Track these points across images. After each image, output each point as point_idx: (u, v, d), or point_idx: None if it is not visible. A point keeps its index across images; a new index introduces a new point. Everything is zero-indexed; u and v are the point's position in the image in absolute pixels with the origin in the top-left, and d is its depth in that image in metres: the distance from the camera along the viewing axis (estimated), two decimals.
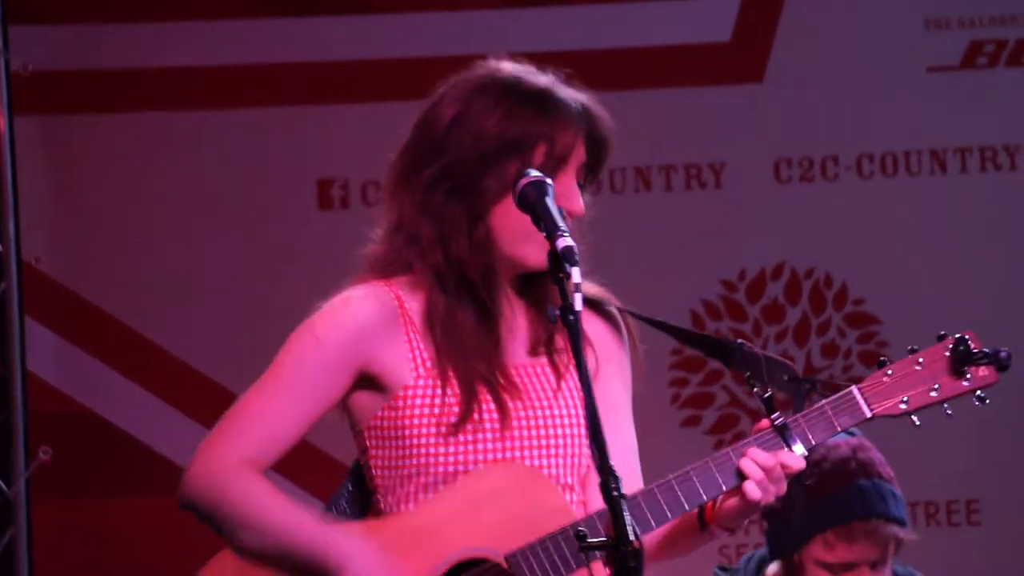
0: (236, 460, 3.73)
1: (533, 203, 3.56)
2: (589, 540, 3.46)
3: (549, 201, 3.54)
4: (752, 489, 3.69)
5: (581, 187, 3.78)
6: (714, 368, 6.20)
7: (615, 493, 3.32)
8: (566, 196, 3.70)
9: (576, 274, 3.41)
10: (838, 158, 6.22)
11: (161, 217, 6.24)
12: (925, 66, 6.16)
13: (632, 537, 3.33)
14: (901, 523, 4.57)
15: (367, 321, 3.77)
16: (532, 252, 3.72)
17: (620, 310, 3.88)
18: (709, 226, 6.23)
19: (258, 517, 3.74)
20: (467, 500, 3.83)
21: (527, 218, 3.66)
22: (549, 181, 3.56)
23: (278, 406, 3.75)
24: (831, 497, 4.68)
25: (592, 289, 3.84)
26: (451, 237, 3.74)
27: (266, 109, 6.23)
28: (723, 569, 5.04)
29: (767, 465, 3.68)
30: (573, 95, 3.72)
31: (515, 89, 3.71)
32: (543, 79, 3.72)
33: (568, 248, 3.41)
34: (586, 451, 3.85)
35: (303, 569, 3.76)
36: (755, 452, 3.70)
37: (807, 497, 4.65)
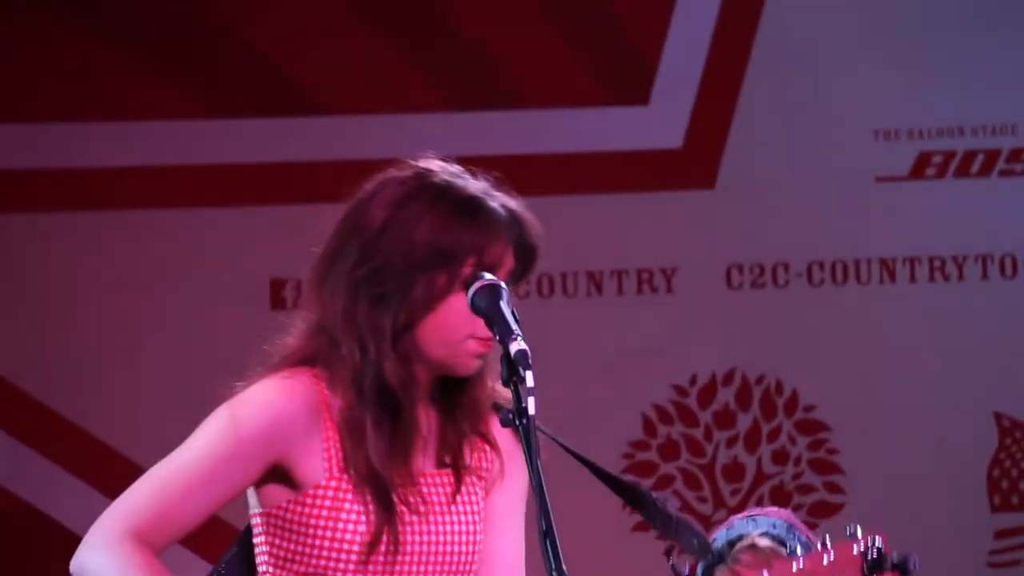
0: (130, 539, 3.46)
1: (487, 307, 3.40)
2: None
3: (503, 304, 3.35)
4: None
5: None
6: (665, 473, 6.17)
7: None
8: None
9: (530, 378, 3.23)
10: (789, 265, 6.20)
11: (106, 313, 6.18)
12: (874, 176, 6.16)
13: None
14: (781, 543, 4.27)
15: (288, 416, 3.54)
16: (460, 362, 3.58)
17: (552, 439, 3.50)
18: (660, 331, 6.20)
19: None
20: None
21: (455, 328, 3.53)
22: (503, 285, 3.39)
23: (182, 489, 3.51)
24: None
25: (502, 396, 3.55)
26: (373, 346, 3.57)
27: (219, 209, 6.21)
28: None
29: None
30: (503, 201, 3.51)
31: (446, 197, 3.53)
32: (474, 185, 3.54)
33: (522, 352, 3.25)
34: (475, 568, 3.68)
35: None
36: None
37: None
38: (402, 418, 3.54)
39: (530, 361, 3.24)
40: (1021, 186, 6.32)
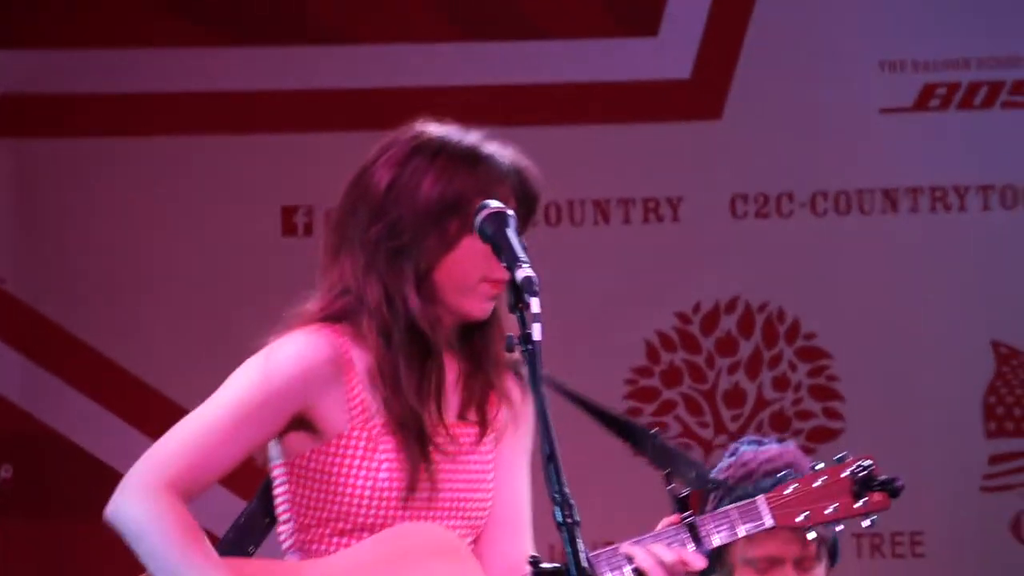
0: (166, 488, 3.57)
1: (494, 234, 3.45)
2: (542, 566, 3.29)
3: (510, 232, 3.41)
4: None
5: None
6: (668, 399, 6.20)
7: (569, 520, 3.19)
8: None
9: (535, 304, 3.27)
10: (793, 195, 6.21)
11: (125, 240, 6.22)
12: (879, 107, 6.19)
13: (584, 563, 3.21)
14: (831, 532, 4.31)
15: (313, 369, 3.63)
16: (475, 304, 3.64)
17: (546, 380, 3.50)
18: (665, 259, 6.24)
19: (173, 554, 3.55)
20: (389, 557, 3.70)
21: (469, 271, 3.61)
22: (510, 212, 3.45)
23: (215, 438, 3.60)
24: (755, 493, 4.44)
25: (514, 355, 3.60)
26: (399, 294, 3.65)
27: (231, 136, 6.23)
28: None
29: (668, 560, 3.63)
30: (499, 150, 3.61)
31: (446, 150, 3.62)
32: (470, 138, 3.64)
33: (528, 279, 3.29)
34: (486, 514, 3.77)
35: None
36: (658, 549, 3.64)
37: (733, 495, 4.40)
38: (432, 358, 3.62)
39: (536, 287, 3.26)
40: (1021, 118, 6.33)
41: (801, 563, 4.53)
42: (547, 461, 3.21)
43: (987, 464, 6.18)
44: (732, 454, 4.61)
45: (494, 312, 3.67)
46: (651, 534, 3.62)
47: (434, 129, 3.67)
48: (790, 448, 4.42)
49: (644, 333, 6.22)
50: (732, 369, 6.28)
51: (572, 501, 3.24)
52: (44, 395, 6.18)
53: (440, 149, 3.63)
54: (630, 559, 3.62)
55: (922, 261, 6.25)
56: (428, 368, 3.65)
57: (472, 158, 3.63)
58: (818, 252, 6.24)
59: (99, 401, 6.16)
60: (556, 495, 3.24)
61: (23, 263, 6.24)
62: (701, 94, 6.29)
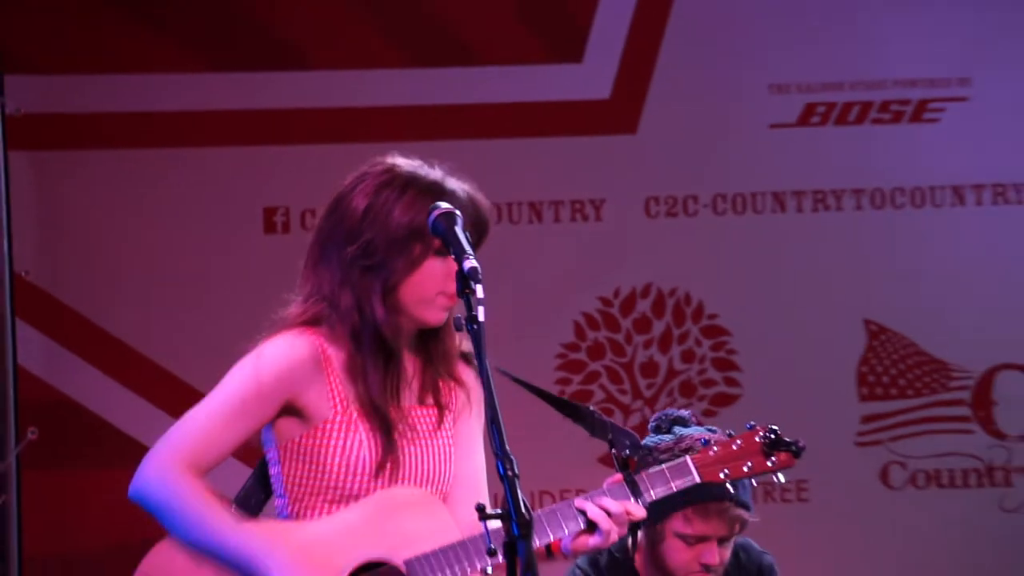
0: (180, 467, 3.97)
1: (444, 231, 3.81)
2: (487, 511, 3.65)
3: (458, 230, 3.78)
4: (600, 535, 4.00)
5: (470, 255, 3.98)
6: (593, 370, 6.53)
7: (509, 473, 3.56)
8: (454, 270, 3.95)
9: (479, 290, 3.65)
10: (698, 197, 6.49)
11: (130, 236, 6.43)
12: (768, 123, 6.48)
13: (523, 509, 3.58)
14: (747, 508, 4.89)
15: (297, 364, 4.01)
16: (431, 314, 3.99)
17: (495, 368, 3.91)
18: (590, 252, 6.48)
19: (195, 519, 3.98)
20: (370, 515, 4.06)
21: (428, 287, 3.96)
22: (458, 213, 3.81)
23: (218, 425, 3.98)
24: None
25: (468, 346, 4.06)
26: (368, 305, 3.98)
27: (221, 148, 6.47)
28: None
29: (615, 512, 3.99)
30: (459, 185, 3.99)
31: (414, 184, 3.96)
32: (434, 173, 3.98)
33: (473, 268, 3.66)
34: (450, 481, 4.14)
35: (231, 566, 3.99)
36: (606, 502, 3.99)
37: (664, 459, 4.73)
38: (393, 360, 4.00)
39: (480, 276, 3.64)
40: (888, 132, 6.58)
41: (723, 541, 4.94)
42: (491, 424, 3.57)
43: (860, 423, 6.53)
44: (662, 429, 4.96)
45: (442, 327, 4.07)
46: (598, 491, 4.01)
47: (403, 163, 4.02)
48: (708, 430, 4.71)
49: (572, 315, 6.49)
50: (647, 345, 6.54)
51: (512, 457, 3.57)
52: (63, 369, 6.43)
53: (409, 183, 3.97)
54: (583, 512, 4.00)
55: (805, 253, 6.51)
56: (390, 368, 4.00)
57: (436, 192, 3.95)
58: (719, 245, 6.50)
59: (109, 374, 6.42)
60: (498, 452, 3.57)
61: (43, 257, 6.47)
62: (619, 112, 6.52)
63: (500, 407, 3.69)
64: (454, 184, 3.99)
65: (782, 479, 4.05)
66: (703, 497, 4.80)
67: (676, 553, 4.97)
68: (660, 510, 4.78)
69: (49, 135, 6.52)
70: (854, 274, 6.58)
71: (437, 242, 3.93)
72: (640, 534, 4.86)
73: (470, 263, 3.67)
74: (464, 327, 3.70)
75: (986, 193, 6.63)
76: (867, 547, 6.54)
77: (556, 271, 6.56)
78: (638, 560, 5.10)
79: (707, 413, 6.48)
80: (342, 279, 4.00)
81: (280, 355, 3.99)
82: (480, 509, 3.68)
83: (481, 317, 3.66)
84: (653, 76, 6.54)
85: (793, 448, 4.07)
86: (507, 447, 3.57)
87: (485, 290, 3.69)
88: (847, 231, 6.57)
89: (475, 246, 3.91)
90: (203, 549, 3.98)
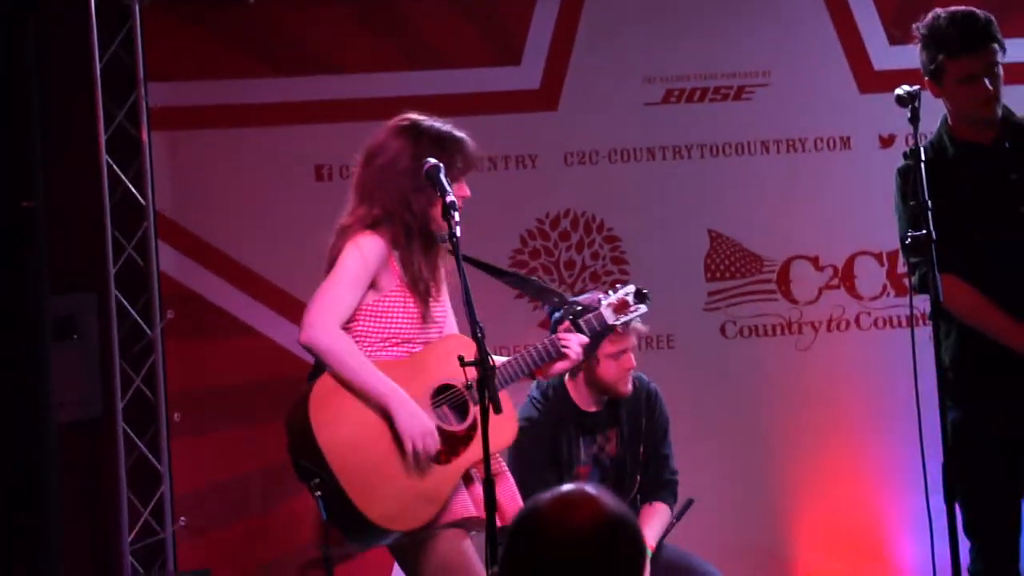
0: (336, 324, 4.45)
1: (434, 176, 4.37)
2: (466, 360, 4.19)
3: (442, 176, 4.35)
4: (567, 360, 4.60)
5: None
6: (532, 266, 7.10)
7: (480, 334, 4.18)
8: (461, 189, 4.55)
9: (456, 216, 4.23)
10: (598, 151, 7.19)
11: (233, 185, 7.09)
12: (643, 102, 7.22)
13: (489, 361, 4.18)
14: (643, 327, 5.62)
15: (381, 250, 4.49)
16: (441, 227, 4.46)
17: (465, 258, 4.35)
18: (527, 188, 7.19)
19: (355, 367, 4.45)
20: (435, 355, 4.56)
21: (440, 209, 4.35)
22: (441, 165, 4.34)
23: (347, 292, 4.48)
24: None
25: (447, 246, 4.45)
26: (419, 211, 4.49)
27: (287, 126, 7.07)
28: None
29: (576, 342, 4.60)
30: (461, 134, 4.57)
31: (438, 133, 4.53)
32: (445, 125, 4.55)
33: (452, 201, 4.25)
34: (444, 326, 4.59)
35: (373, 400, 4.43)
36: (571, 337, 4.59)
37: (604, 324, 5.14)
38: (432, 246, 4.53)
39: (457, 206, 4.26)
40: (720, 107, 7.20)
41: (634, 350, 5.71)
42: (465, 302, 4.19)
43: (706, 296, 7.24)
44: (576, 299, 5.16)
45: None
46: (559, 333, 4.58)
47: (423, 118, 4.53)
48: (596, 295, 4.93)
49: (519, 230, 7.22)
50: (568, 249, 7.21)
51: (480, 324, 4.15)
52: (190, 273, 7.09)
53: (435, 133, 4.51)
54: (556, 346, 4.59)
55: (670, 187, 7.18)
56: (429, 254, 4.53)
57: (453, 139, 4.53)
58: (613, 183, 7.18)
59: (220, 275, 7.07)
60: (471, 321, 4.18)
61: (175, 199, 7.10)
62: (545, 97, 7.16)
63: (470, 288, 4.27)
64: (459, 132, 4.54)
65: (649, 302, 4.72)
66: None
67: (609, 370, 5.66)
68: (593, 345, 5.25)
69: (179, 120, 7.04)
70: (702, 200, 7.19)
71: (455, 173, 4.43)
72: (568, 373, 5.64)
73: (450, 197, 4.23)
74: (447, 239, 4.28)
75: (782, 146, 7.21)
76: (712, 379, 7.15)
77: (508, 201, 7.09)
78: (570, 389, 5.79)
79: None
80: (400, 199, 4.45)
81: (373, 244, 4.46)
82: (460, 359, 4.21)
83: (458, 233, 4.22)
84: (567, 72, 7.16)
85: (646, 297, 4.76)
86: (476, 318, 4.13)
87: (462, 214, 4.29)
88: (697, 172, 7.18)
89: (472, 167, 4.51)
90: (360, 390, 4.43)
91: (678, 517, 6.02)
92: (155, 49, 6.98)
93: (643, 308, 4.69)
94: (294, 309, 5.18)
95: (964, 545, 4.72)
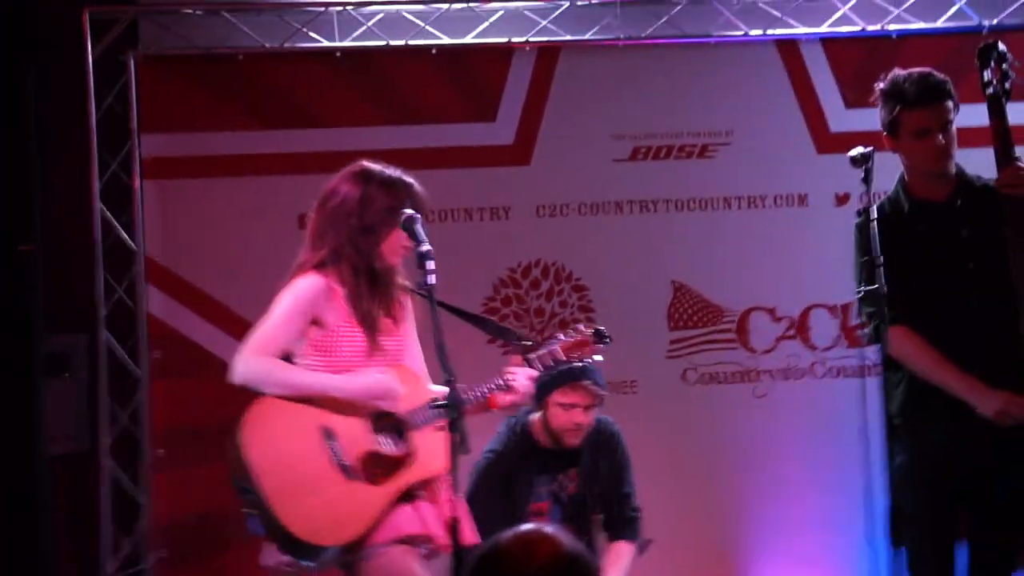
0: (260, 353, 4.47)
1: (410, 227, 4.38)
2: (438, 403, 4.21)
3: (418, 226, 4.37)
4: (514, 393, 4.58)
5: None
6: (504, 313, 7.15)
7: (451, 378, 4.16)
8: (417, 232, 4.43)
9: (431, 265, 4.17)
10: (568, 204, 7.24)
11: (218, 233, 7.08)
12: (612, 159, 7.26)
13: (458, 400, 4.17)
14: (603, 388, 5.71)
15: (319, 292, 4.50)
16: (396, 259, 4.52)
17: (427, 296, 4.26)
18: (501, 240, 7.20)
19: (289, 374, 4.48)
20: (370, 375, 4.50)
21: (395, 242, 4.44)
22: (418, 216, 4.38)
23: (276, 331, 4.50)
24: (569, 369, 5.50)
25: (405, 281, 4.55)
26: (365, 252, 4.49)
27: (268, 176, 7.09)
28: (511, 415, 5.85)
29: (522, 377, 4.61)
30: (409, 178, 4.55)
31: (387, 179, 4.53)
32: (395, 171, 4.53)
33: (427, 250, 4.24)
34: (404, 360, 4.53)
35: (321, 393, 4.39)
36: (519, 372, 4.59)
37: (556, 368, 5.15)
38: (379, 286, 4.54)
39: (431, 255, 4.19)
40: (684, 164, 7.26)
41: (587, 408, 5.65)
42: (438, 349, 4.15)
43: (668, 344, 7.27)
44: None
45: (391, 269, 4.50)
46: (510, 367, 4.58)
47: (374, 164, 4.55)
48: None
49: (491, 279, 7.22)
50: (537, 297, 7.24)
51: (451, 367, 4.13)
52: (177, 315, 7.07)
53: (384, 179, 4.52)
54: (505, 379, 4.55)
55: (636, 239, 7.21)
56: (378, 290, 4.51)
57: (400, 184, 4.53)
58: (582, 235, 7.20)
59: (204, 318, 7.04)
60: (442, 364, 4.14)
61: (164, 246, 7.10)
62: (519, 152, 7.20)
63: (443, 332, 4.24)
64: (408, 178, 4.55)
65: (606, 343, 4.67)
66: (577, 378, 5.54)
67: (557, 417, 5.64)
68: (546, 389, 5.54)
69: (168, 169, 7.08)
70: (666, 252, 7.22)
71: (402, 215, 4.41)
72: (536, 413, 5.69)
73: (425, 247, 4.23)
74: (423, 288, 4.20)
75: (743, 202, 7.25)
76: (673, 423, 7.17)
77: (481, 251, 7.13)
78: (534, 429, 5.78)
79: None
80: (348, 239, 4.46)
81: (307, 284, 4.48)
82: (432, 400, 4.27)
83: (432, 281, 4.18)
84: (540, 129, 7.22)
85: (604, 337, 4.70)
86: (449, 363, 4.11)
87: (436, 264, 4.21)
88: (662, 225, 7.23)
89: (421, 211, 4.43)
90: (296, 390, 4.41)
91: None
92: (149, 101, 7.03)
93: (598, 355, 4.69)
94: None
95: None
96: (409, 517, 4.45)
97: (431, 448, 4.36)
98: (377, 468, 4.43)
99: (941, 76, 5.03)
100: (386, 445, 4.47)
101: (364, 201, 4.47)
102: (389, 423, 4.46)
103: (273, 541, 4.44)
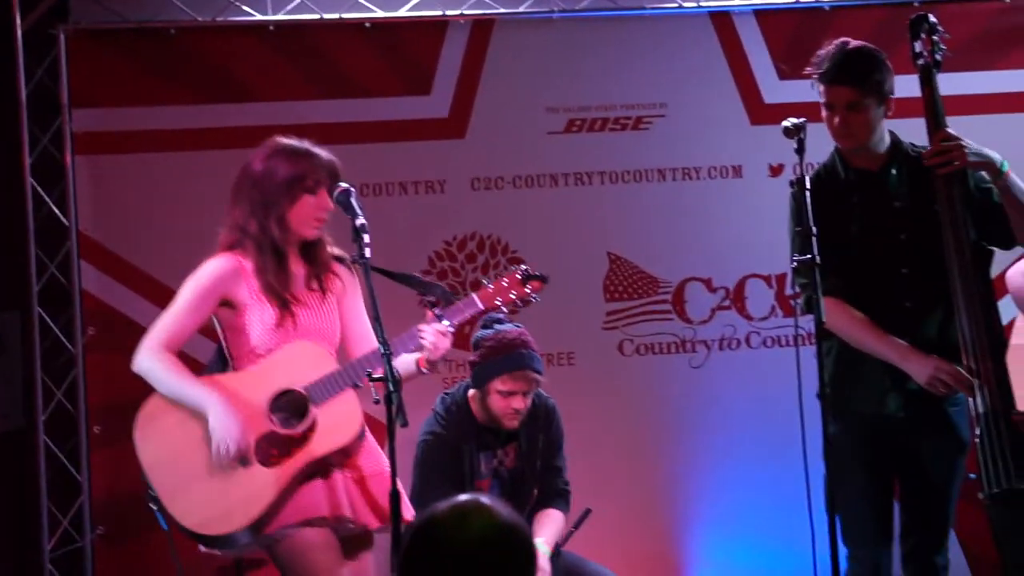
0: (160, 348, 4.51)
1: (344, 201, 4.41)
2: (374, 376, 4.28)
3: (353, 199, 4.37)
4: (427, 350, 4.51)
5: (329, 194, 4.47)
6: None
7: (387, 352, 4.25)
8: (322, 203, 4.50)
9: (367, 238, 4.25)
10: (504, 177, 7.20)
11: (148, 205, 6.97)
12: (546, 131, 7.22)
13: (396, 375, 4.23)
14: (540, 373, 5.68)
15: (226, 273, 4.54)
16: (308, 231, 4.50)
17: (374, 268, 4.34)
18: (438, 212, 7.12)
19: (172, 381, 4.50)
20: (280, 362, 4.52)
21: (304, 213, 4.43)
22: (352, 188, 4.37)
23: (180, 319, 4.53)
24: (508, 355, 5.57)
25: (337, 251, 4.59)
26: (268, 226, 4.50)
27: (205, 152, 6.93)
28: (446, 392, 5.87)
29: (437, 332, 4.55)
30: (319, 151, 4.54)
31: (291, 150, 4.55)
32: (301, 144, 4.55)
33: (363, 224, 4.28)
34: (337, 337, 4.54)
35: (195, 408, 4.48)
36: (427, 329, 4.53)
37: (493, 354, 5.53)
38: (283, 260, 4.54)
39: (367, 229, 4.28)
40: (619, 136, 7.19)
41: (525, 394, 5.62)
42: (374, 320, 4.26)
43: (605, 316, 7.21)
44: (486, 325, 5.59)
45: (316, 241, 4.52)
46: (423, 324, 4.55)
47: (282, 140, 4.60)
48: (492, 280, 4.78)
49: (427, 252, 7.12)
50: (474, 270, 7.16)
51: (387, 339, 4.25)
52: (111, 291, 6.96)
53: (288, 151, 4.54)
54: (422, 336, 4.51)
55: (571, 211, 7.17)
56: (281, 263, 4.51)
57: (303, 154, 4.53)
58: (519, 208, 7.16)
59: (138, 292, 6.90)
60: (379, 338, 4.23)
61: (96, 220, 6.96)
62: (454, 125, 7.12)
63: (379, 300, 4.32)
64: (315, 149, 4.53)
65: (538, 299, 4.61)
66: (516, 366, 5.49)
67: (496, 403, 5.62)
68: (486, 375, 5.54)
69: (99, 146, 6.98)
70: (602, 224, 7.18)
71: (308, 184, 4.44)
72: (473, 392, 5.66)
73: (360, 220, 4.29)
74: (358, 261, 4.28)
75: (677, 173, 7.23)
76: (610, 395, 7.12)
77: (417, 224, 7.06)
78: (472, 406, 5.74)
79: (511, 312, 5.83)
80: (250, 213, 4.49)
81: (210, 267, 4.53)
82: (368, 375, 4.31)
83: (368, 255, 4.28)
84: (475, 102, 7.15)
85: (541, 276, 4.62)
86: (384, 335, 4.21)
87: (372, 237, 4.30)
88: (597, 197, 7.18)
89: (336, 179, 4.45)
90: (175, 397, 4.51)
91: (576, 526, 6.03)
92: (79, 76, 6.94)
93: (536, 298, 4.60)
94: (209, 326, 4.76)
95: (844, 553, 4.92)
96: (316, 499, 4.42)
97: (334, 421, 4.35)
98: (273, 449, 4.42)
99: (861, 57, 5.04)
100: (282, 425, 4.44)
101: (265, 175, 4.47)
102: (288, 401, 4.45)
103: (180, 533, 4.49)
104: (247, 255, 4.47)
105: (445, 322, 4.52)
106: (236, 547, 4.48)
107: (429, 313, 4.51)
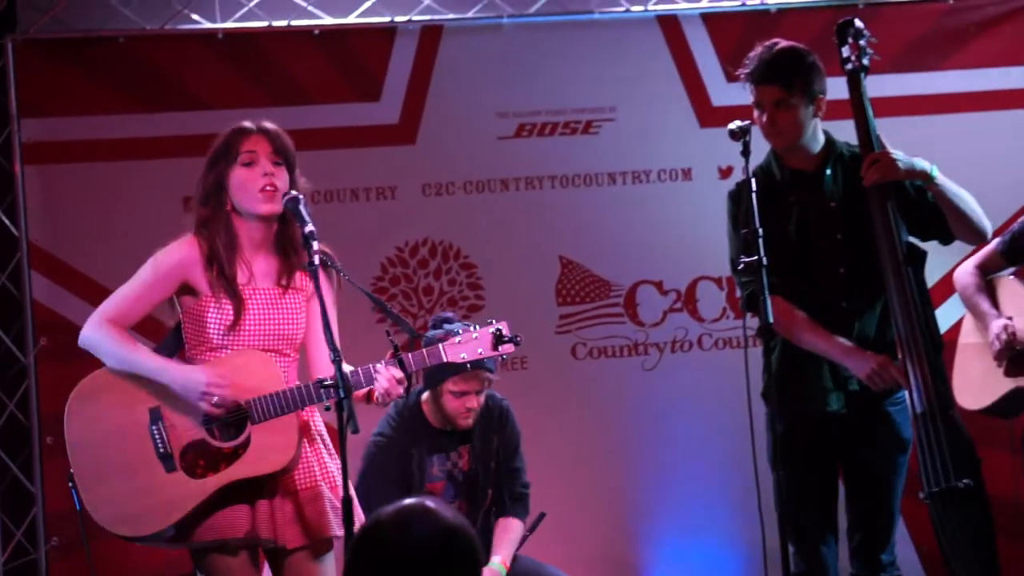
0: (108, 321, 4.41)
1: (293, 208, 4.34)
2: (326, 383, 4.14)
3: (302, 207, 4.31)
4: (379, 389, 4.38)
5: (279, 165, 4.40)
6: (393, 292, 7.12)
7: (337, 358, 4.15)
8: (258, 173, 4.39)
9: (316, 245, 4.19)
10: (454, 183, 7.23)
11: (100, 216, 6.99)
12: (496, 136, 7.25)
13: (344, 380, 4.11)
14: (492, 372, 5.75)
15: (183, 258, 4.45)
16: (256, 204, 4.35)
17: (338, 270, 4.39)
18: (388, 219, 7.17)
19: (122, 351, 4.43)
20: (228, 368, 4.40)
21: (239, 183, 4.34)
22: (301, 196, 4.31)
23: (133, 297, 4.44)
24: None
25: (321, 249, 4.37)
26: (208, 222, 4.45)
27: (154, 161, 6.99)
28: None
29: (387, 376, 4.38)
30: (257, 122, 4.48)
31: (231, 131, 4.52)
32: (244, 123, 4.50)
33: (311, 232, 4.23)
34: (298, 335, 4.41)
35: (149, 375, 4.38)
36: (383, 373, 4.35)
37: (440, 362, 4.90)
38: (235, 248, 4.41)
39: (316, 236, 4.22)
40: (568, 141, 7.24)
41: (478, 393, 5.67)
42: (325, 329, 4.17)
43: (558, 320, 7.28)
44: (435, 325, 5.52)
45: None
46: (382, 361, 4.40)
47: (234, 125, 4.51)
48: (463, 326, 4.84)
49: (379, 258, 7.18)
50: (426, 276, 7.22)
51: (338, 346, 4.14)
52: (62, 301, 6.96)
53: (229, 132, 4.52)
54: (377, 379, 4.36)
55: (522, 216, 7.23)
56: (232, 255, 4.40)
57: (242, 129, 4.48)
58: (470, 213, 7.20)
59: (88, 301, 6.67)
60: (330, 344, 4.14)
61: (46, 230, 7.00)
62: (404, 131, 7.17)
63: (341, 310, 4.44)
64: (264, 124, 4.48)
65: (505, 357, 4.55)
66: (464, 368, 5.22)
67: (450, 403, 5.70)
68: (439, 376, 5.59)
69: (49, 155, 7.01)
70: (553, 229, 7.25)
71: (242, 158, 4.39)
72: (427, 394, 5.72)
73: (309, 228, 4.23)
74: (308, 268, 4.27)
75: (627, 177, 7.27)
76: (563, 398, 7.21)
77: (369, 230, 7.10)
78: (425, 409, 5.81)
79: (464, 316, 6.94)
80: (202, 200, 4.49)
81: (170, 249, 4.46)
82: (319, 381, 4.20)
83: (316, 262, 4.23)
84: (425, 108, 7.19)
85: (515, 340, 4.51)
86: (336, 342, 4.13)
87: (328, 241, 4.35)
88: (548, 202, 7.26)
89: (285, 157, 4.43)
90: (126, 365, 4.37)
91: (531, 530, 6.06)
92: (28, 86, 6.98)
93: (504, 356, 4.56)
94: (161, 334, 4.78)
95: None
96: (235, 519, 4.33)
97: (269, 445, 4.26)
98: (200, 459, 4.34)
99: (792, 56, 5.07)
100: (217, 436, 4.36)
101: (209, 162, 4.47)
102: (230, 412, 4.35)
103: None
104: (205, 240, 4.43)
105: (400, 373, 4.37)
106: (157, 542, 4.41)
107: (390, 353, 4.40)
